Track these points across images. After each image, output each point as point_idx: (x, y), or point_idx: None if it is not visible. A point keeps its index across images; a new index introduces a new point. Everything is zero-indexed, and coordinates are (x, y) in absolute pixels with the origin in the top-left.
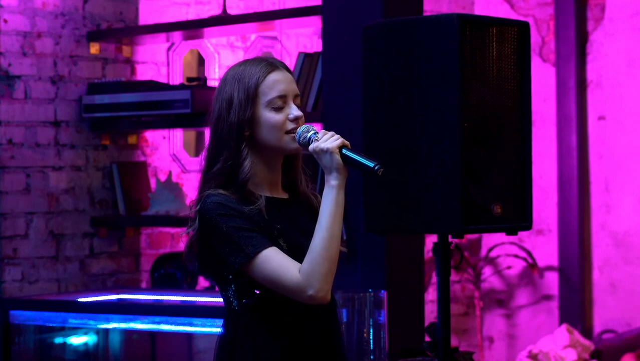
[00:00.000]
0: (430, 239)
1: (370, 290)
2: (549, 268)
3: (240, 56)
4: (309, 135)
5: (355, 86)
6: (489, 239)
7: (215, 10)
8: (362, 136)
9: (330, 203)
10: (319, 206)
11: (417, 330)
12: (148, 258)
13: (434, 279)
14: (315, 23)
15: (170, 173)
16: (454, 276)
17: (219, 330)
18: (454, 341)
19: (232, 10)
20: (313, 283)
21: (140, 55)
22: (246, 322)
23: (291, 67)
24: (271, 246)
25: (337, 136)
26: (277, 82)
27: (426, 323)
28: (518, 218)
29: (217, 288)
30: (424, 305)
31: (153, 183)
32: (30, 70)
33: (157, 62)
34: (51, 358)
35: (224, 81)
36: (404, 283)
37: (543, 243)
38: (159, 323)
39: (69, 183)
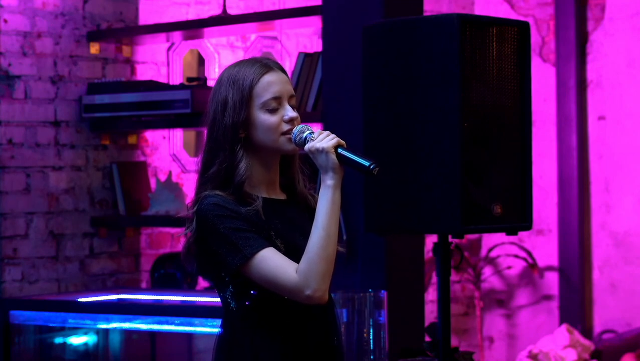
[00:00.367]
0: (430, 239)
1: (370, 290)
2: (549, 268)
3: (240, 56)
4: (304, 135)
5: (355, 86)
6: (489, 239)
7: (215, 10)
8: (362, 136)
9: (326, 202)
10: None
11: (417, 330)
12: (148, 258)
13: (434, 279)
14: (315, 23)
15: (170, 173)
16: (454, 276)
17: (218, 330)
18: (454, 341)
19: (232, 10)
20: (310, 283)
21: (140, 55)
22: (244, 322)
23: (291, 67)
24: (268, 246)
25: (332, 135)
26: (271, 84)
27: (426, 323)
28: (518, 218)
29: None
30: (424, 305)
31: (153, 183)
32: (30, 70)
33: (157, 62)
34: (51, 358)
35: (218, 82)
36: (404, 283)
37: (543, 243)
38: (159, 323)
39: (69, 182)
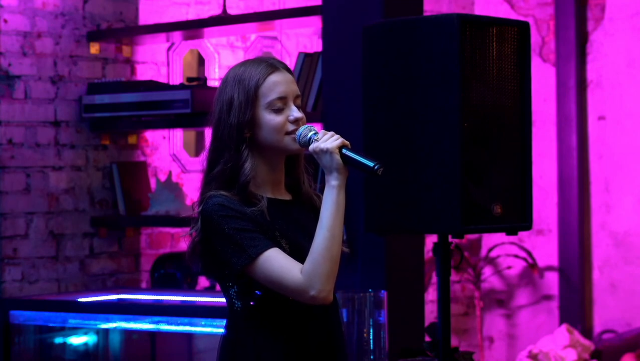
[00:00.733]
0: (430, 239)
1: (370, 290)
2: (549, 268)
3: (240, 56)
4: (309, 135)
5: (355, 86)
6: (489, 239)
7: (215, 10)
8: (362, 136)
9: (330, 203)
10: None
11: (417, 330)
12: (148, 258)
13: (434, 279)
14: (315, 23)
15: (170, 173)
16: (454, 276)
17: (219, 330)
18: (454, 341)
19: (232, 10)
20: (315, 283)
21: (140, 55)
22: (248, 322)
23: (291, 67)
24: (273, 247)
25: (337, 136)
26: (277, 84)
27: (426, 323)
28: (518, 218)
29: (218, 288)
30: (424, 305)
31: (153, 183)
32: (30, 70)
33: (157, 62)
34: (51, 358)
35: (224, 82)
36: (404, 283)
37: (543, 243)
38: (159, 323)
39: (69, 182)
